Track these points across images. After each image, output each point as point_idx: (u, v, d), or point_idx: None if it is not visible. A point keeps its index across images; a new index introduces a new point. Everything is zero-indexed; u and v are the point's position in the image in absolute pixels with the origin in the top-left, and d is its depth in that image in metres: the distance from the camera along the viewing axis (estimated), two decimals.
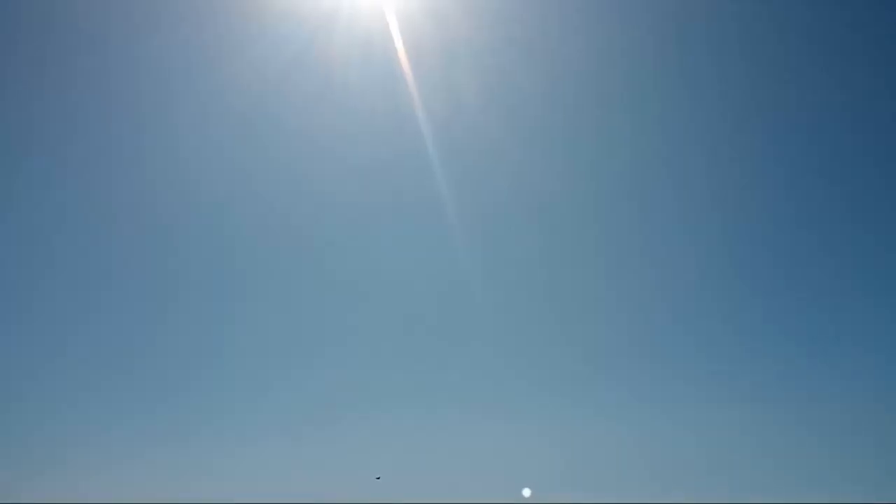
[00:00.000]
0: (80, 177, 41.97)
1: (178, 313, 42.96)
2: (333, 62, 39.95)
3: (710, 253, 45.22)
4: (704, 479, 38.04)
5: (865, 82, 42.97)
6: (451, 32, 39.93)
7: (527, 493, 38.99)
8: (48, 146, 41.53)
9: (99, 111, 39.86)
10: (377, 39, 39.53)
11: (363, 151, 41.66)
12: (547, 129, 43.06)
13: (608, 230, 44.67)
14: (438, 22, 39.62)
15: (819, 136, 44.57)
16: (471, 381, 42.82)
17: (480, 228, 42.97)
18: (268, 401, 41.47)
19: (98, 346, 42.04)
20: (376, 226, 42.94)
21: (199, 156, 41.98)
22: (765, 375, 44.23)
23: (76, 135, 40.85)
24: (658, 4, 40.64)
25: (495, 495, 36.45)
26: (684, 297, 45.01)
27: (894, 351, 44.97)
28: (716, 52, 42.00)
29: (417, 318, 43.27)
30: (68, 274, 43.09)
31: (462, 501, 36.74)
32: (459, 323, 43.23)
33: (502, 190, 42.84)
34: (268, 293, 42.54)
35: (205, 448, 38.73)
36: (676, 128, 43.64)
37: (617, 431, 39.56)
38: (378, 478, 36.76)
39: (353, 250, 43.68)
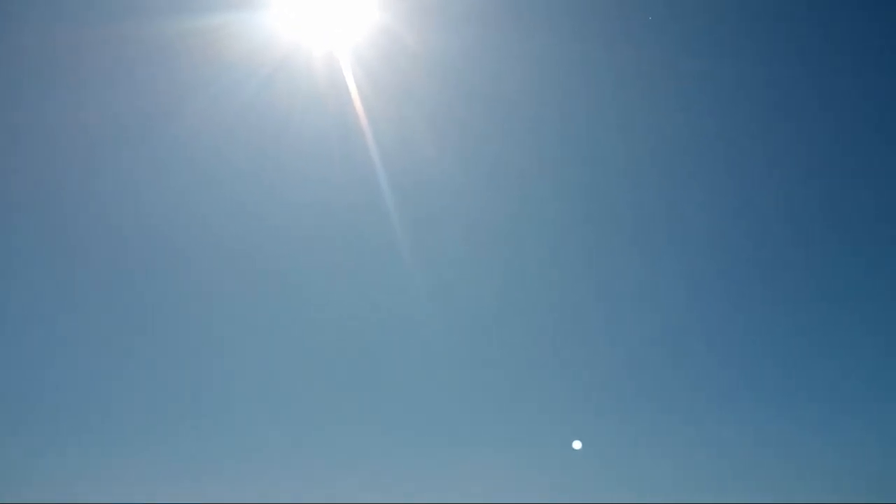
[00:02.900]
0: (35, 223, 41.15)
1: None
2: (288, 106, 40.16)
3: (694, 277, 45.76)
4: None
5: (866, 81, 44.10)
6: (406, 77, 40.61)
7: (577, 444, 39.99)
8: None
9: (48, 152, 39.21)
10: (332, 84, 40.02)
11: (317, 194, 41.76)
12: (503, 171, 43.67)
13: (571, 271, 45.15)
14: (393, 67, 40.27)
15: (819, 136, 45.52)
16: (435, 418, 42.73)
17: (437, 271, 43.10)
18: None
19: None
20: (331, 269, 42.77)
21: (153, 197, 41.52)
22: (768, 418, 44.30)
23: (29, 179, 40.11)
24: (627, 38, 41.84)
25: None
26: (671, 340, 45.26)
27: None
28: (691, 75, 43.12)
29: (373, 352, 43.19)
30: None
31: (462, 501, 37.67)
32: (416, 357, 43.24)
33: (458, 232, 43.14)
34: (221, 333, 41.92)
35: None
36: (638, 159, 44.63)
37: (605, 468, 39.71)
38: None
39: (307, 293, 43.37)
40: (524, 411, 42.16)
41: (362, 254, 41.83)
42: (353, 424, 41.53)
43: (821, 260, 46.99)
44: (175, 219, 40.29)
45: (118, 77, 39.12)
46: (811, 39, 44.11)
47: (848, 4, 44.12)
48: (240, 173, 40.69)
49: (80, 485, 36.99)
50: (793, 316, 46.80)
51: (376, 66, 40.19)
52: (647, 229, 44.71)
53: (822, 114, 44.24)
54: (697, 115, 43.42)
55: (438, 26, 39.54)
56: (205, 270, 40.34)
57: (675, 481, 41.42)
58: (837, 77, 44.09)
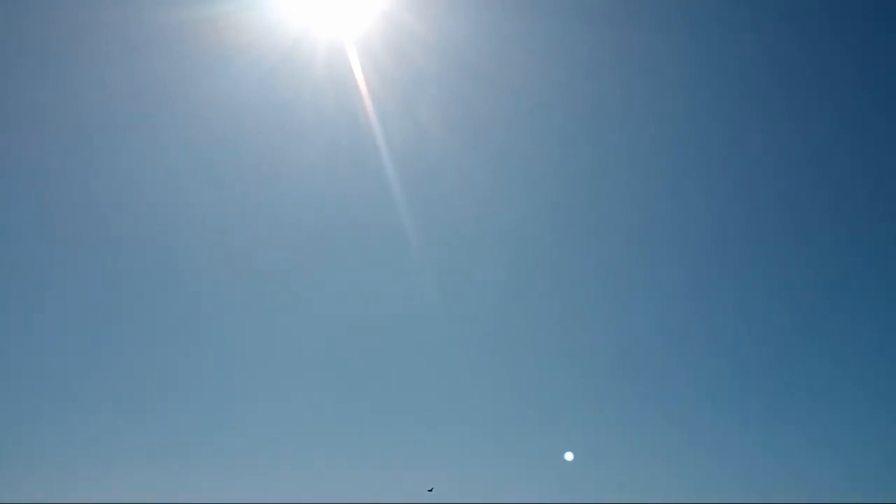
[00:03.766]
0: (30, 211, 40.22)
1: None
2: (294, 94, 39.65)
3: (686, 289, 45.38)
4: None
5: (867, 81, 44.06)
6: (413, 65, 40.23)
7: (569, 456, 39.40)
8: None
9: (52, 142, 38.36)
10: (338, 72, 39.62)
11: (324, 183, 41.11)
12: (510, 158, 43.30)
13: (576, 259, 44.77)
14: (399, 54, 39.89)
15: (818, 136, 45.42)
16: (434, 415, 41.92)
17: (445, 259, 42.56)
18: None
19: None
20: (337, 258, 42.06)
21: (157, 187, 40.72)
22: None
23: (26, 166, 39.18)
24: (621, 32, 41.72)
25: None
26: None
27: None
28: (689, 75, 43.09)
29: (378, 349, 42.37)
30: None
31: (461, 501, 37.13)
32: (421, 355, 42.49)
33: (466, 220, 42.59)
34: (225, 323, 41.06)
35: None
36: (643, 153, 44.44)
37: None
38: (430, 490, 36.89)
39: (314, 282, 42.62)
40: (526, 409, 41.64)
41: (369, 245, 41.35)
42: (360, 418, 40.76)
43: (819, 260, 46.92)
44: (180, 208, 39.53)
45: (126, 64, 38.54)
46: (814, 39, 44.33)
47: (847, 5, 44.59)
48: (246, 162, 40.21)
49: (80, 485, 36.25)
50: (790, 316, 46.65)
51: (383, 54, 39.79)
52: (654, 220, 44.49)
53: (822, 113, 44.36)
54: (705, 106, 43.22)
55: (445, 14, 39.32)
56: (210, 259, 39.56)
57: (675, 481, 41.56)
58: (839, 76, 44.23)
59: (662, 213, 44.57)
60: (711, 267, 45.65)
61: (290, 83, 38.93)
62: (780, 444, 42.14)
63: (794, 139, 45.63)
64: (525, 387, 42.46)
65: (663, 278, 44.77)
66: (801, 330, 45.44)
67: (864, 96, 45.84)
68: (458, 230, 42.08)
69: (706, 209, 45.76)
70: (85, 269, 39.62)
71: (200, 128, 39.57)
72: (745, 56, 42.76)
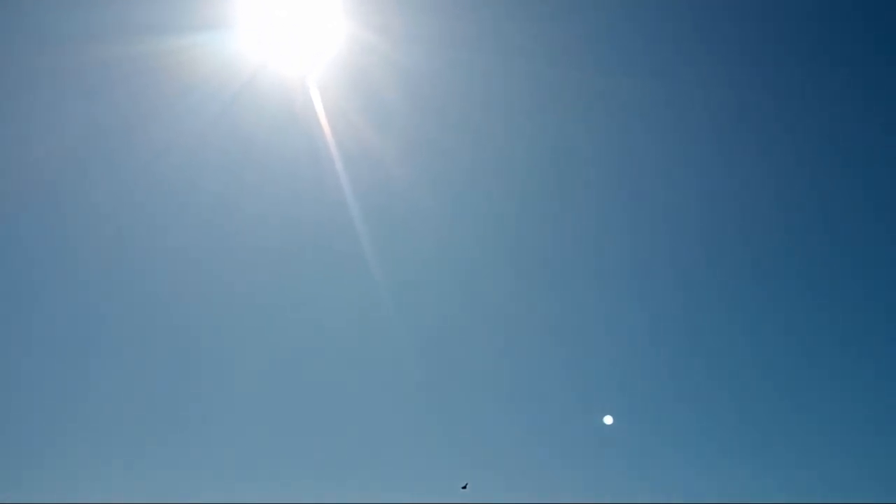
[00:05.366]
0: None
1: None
2: (253, 128, 40.64)
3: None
4: None
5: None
6: (373, 98, 40.98)
7: (608, 419, 41.18)
8: None
9: (6, 182, 39.65)
10: (298, 106, 40.40)
11: (284, 212, 42.65)
12: (471, 191, 44.55)
13: (538, 291, 46.31)
14: (360, 88, 40.60)
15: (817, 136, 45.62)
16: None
17: (405, 288, 44.50)
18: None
19: None
20: (298, 287, 44.06)
21: (118, 216, 42.16)
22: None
23: None
24: (585, 71, 42.12)
25: None
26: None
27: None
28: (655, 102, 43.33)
29: (341, 377, 44.70)
30: None
31: (461, 502, 38.01)
32: (384, 379, 44.73)
33: (426, 249, 44.44)
34: (186, 352, 43.28)
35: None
36: (610, 189, 45.23)
37: None
38: (465, 486, 37.60)
39: (274, 311, 44.59)
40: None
41: (329, 275, 42.76)
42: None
43: (818, 260, 46.91)
44: (139, 235, 40.31)
45: (81, 98, 38.69)
46: (806, 41, 43.09)
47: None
48: (206, 190, 41.04)
49: (79, 484, 37.22)
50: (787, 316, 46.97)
51: (344, 87, 40.33)
52: (615, 266, 44.70)
53: (821, 114, 43.46)
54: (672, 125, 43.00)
55: (405, 48, 39.68)
56: (167, 288, 40.87)
57: (675, 481, 41.30)
58: (834, 78, 43.17)
59: (622, 258, 45.33)
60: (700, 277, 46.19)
61: (248, 117, 39.59)
62: (779, 444, 43.68)
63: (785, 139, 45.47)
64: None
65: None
66: (800, 329, 46.44)
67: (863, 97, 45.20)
68: (418, 261, 43.48)
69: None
70: (47, 301, 41.06)
71: (156, 162, 40.20)
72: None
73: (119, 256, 40.49)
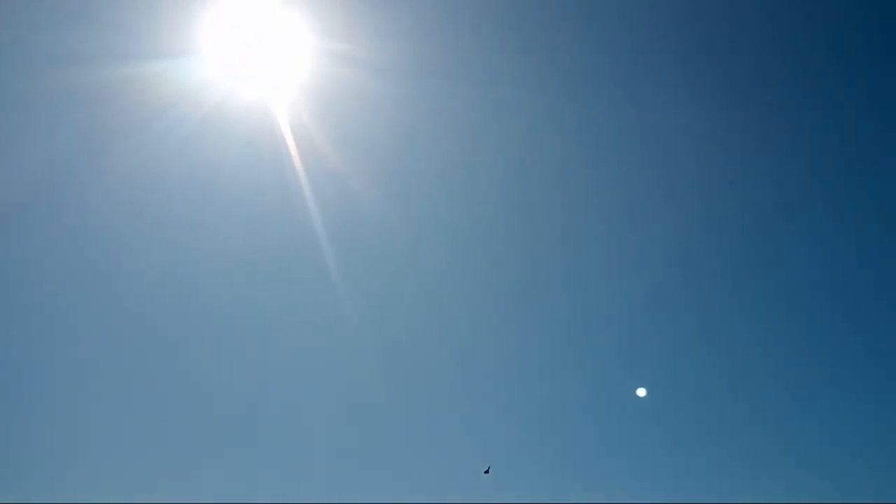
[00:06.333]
0: None
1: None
2: (221, 152, 40.66)
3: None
4: None
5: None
6: (342, 125, 40.89)
7: (641, 392, 41.55)
8: None
9: None
10: (265, 131, 40.40)
11: (251, 238, 42.71)
12: (438, 214, 44.37)
13: (508, 313, 46.01)
14: (328, 114, 40.56)
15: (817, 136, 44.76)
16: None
17: (372, 312, 44.53)
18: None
19: None
20: (266, 310, 44.23)
21: (83, 241, 42.33)
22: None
23: None
24: (555, 97, 41.52)
25: None
26: None
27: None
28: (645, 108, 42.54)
29: (311, 400, 44.90)
30: None
31: (461, 502, 38.28)
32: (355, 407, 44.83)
33: (394, 273, 44.39)
34: (156, 376, 43.60)
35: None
36: (580, 218, 44.63)
37: None
38: (487, 471, 37.92)
39: (242, 334, 44.85)
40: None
41: (295, 295, 42.95)
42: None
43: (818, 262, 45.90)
44: (105, 260, 40.55)
45: (50, 122, 38.48)
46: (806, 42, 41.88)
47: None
48: (173, 216, 41.06)
49: (79, 484, 37.40)
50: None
51: (310, 111, 40.20)
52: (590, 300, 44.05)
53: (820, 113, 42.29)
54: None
55: (371, 73, 39.52)
56: (136, 310, 41.16)
57: (675, 481, 41.46)
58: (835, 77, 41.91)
59: (596, 269, 44.78)
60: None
61: (215, 143, 39.45)
62: (780, 444, 43.58)
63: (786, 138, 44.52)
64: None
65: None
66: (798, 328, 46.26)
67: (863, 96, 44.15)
68: (384, 282, 43.50)
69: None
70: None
71: (122, 188, 40.26)
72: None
73: (85, 280, 40.96)
